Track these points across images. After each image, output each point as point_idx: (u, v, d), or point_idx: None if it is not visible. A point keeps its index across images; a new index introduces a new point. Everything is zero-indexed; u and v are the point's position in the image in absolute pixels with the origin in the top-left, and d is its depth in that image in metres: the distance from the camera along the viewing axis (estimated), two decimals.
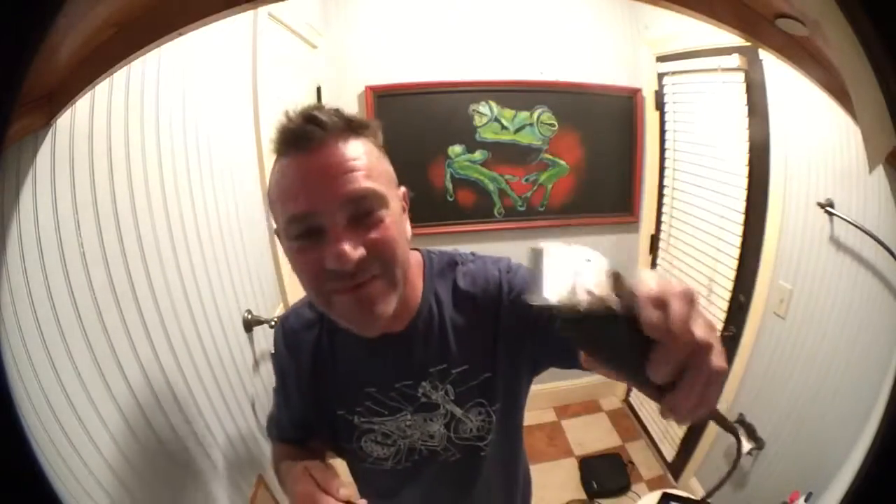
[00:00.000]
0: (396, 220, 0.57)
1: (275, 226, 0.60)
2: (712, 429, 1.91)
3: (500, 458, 0.78)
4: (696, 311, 0.32)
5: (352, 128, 0.56)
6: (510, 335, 0.67)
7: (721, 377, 0.32)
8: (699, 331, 0.31)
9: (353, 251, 0.52)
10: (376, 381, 0.70)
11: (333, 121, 0.54)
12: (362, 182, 0.53)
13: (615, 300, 0.31)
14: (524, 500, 0.92)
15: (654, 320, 0.30)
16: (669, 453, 2.21)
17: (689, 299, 0.32)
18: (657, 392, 0.32)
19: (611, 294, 0.31)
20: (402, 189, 0.64)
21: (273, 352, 0.79)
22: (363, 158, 0.54)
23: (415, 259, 0.70)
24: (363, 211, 0.54)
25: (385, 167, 0.59)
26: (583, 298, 0.31)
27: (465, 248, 0.75)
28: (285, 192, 0.54)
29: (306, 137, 0.53)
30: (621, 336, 0.31)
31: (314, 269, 0.54)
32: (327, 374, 0.72)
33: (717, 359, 0.32)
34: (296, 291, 1.42)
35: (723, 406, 1.83)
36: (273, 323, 1.35)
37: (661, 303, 0.31)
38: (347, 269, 0.52)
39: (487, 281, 0.68)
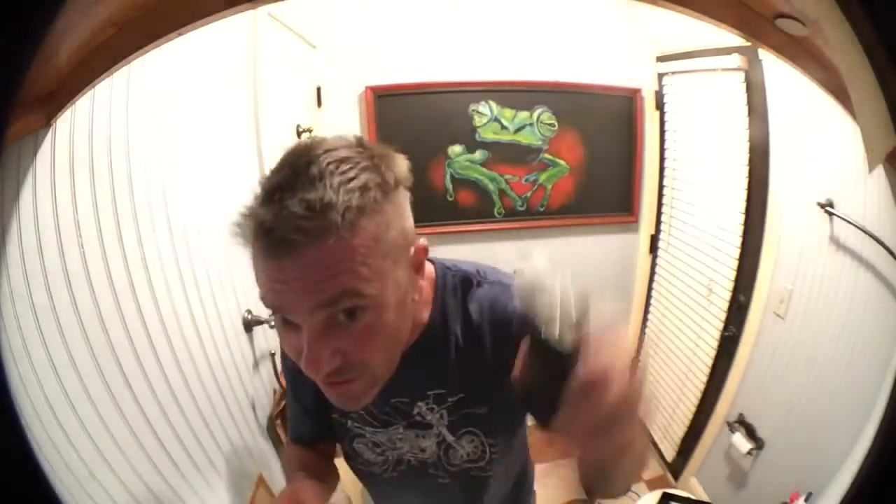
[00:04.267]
0: (389, 310, 0.51)
1: None
2: (712, 429, 1.91)
3: (503, 475, 0.77)
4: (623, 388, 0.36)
5: (357, 211, 0.45)
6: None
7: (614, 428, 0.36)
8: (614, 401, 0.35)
9: (324, 364, 0.48)
10: None
11: (324, 222, 0.43)
12: (343, 283, 0.46)
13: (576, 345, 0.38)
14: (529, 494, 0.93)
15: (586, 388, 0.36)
16: (669, 453, 2.21)
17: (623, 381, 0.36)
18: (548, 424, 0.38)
19: (577, 338, 0.38)
20: (420, 242, 0.55)
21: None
22: (355, 251, 0.46)
23: (428, 272, 0.66)
24: (341, 310, 0.48)
25: (387, 241, 0.49)
26: (567, 340, 0.38)
27: (465, 249, 0.72)
28: (256, 274, 0.50)
29: (284, 245, 0.44)
30: (560, 372, 0.37)
31: (292, 352, 0.52)
32: None
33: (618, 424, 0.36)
34: None
35: (724, 406, 1.83)
36: (273, 323, 1.35)
37: (597, 378, 0.36)
38: (319, 378, 0.50)
39: (504, 311, 0.63)
